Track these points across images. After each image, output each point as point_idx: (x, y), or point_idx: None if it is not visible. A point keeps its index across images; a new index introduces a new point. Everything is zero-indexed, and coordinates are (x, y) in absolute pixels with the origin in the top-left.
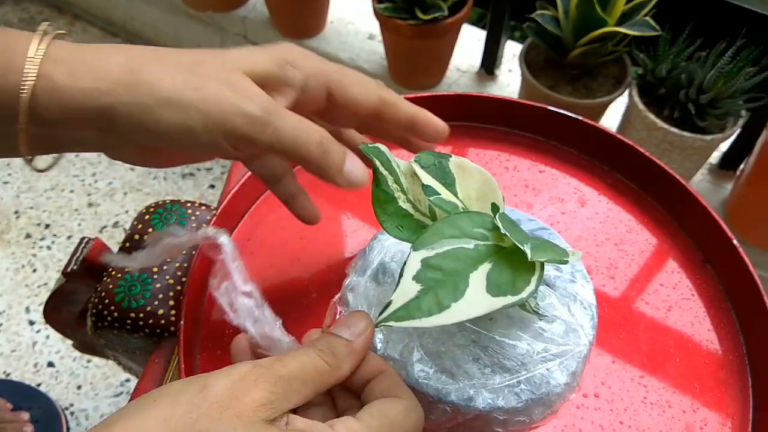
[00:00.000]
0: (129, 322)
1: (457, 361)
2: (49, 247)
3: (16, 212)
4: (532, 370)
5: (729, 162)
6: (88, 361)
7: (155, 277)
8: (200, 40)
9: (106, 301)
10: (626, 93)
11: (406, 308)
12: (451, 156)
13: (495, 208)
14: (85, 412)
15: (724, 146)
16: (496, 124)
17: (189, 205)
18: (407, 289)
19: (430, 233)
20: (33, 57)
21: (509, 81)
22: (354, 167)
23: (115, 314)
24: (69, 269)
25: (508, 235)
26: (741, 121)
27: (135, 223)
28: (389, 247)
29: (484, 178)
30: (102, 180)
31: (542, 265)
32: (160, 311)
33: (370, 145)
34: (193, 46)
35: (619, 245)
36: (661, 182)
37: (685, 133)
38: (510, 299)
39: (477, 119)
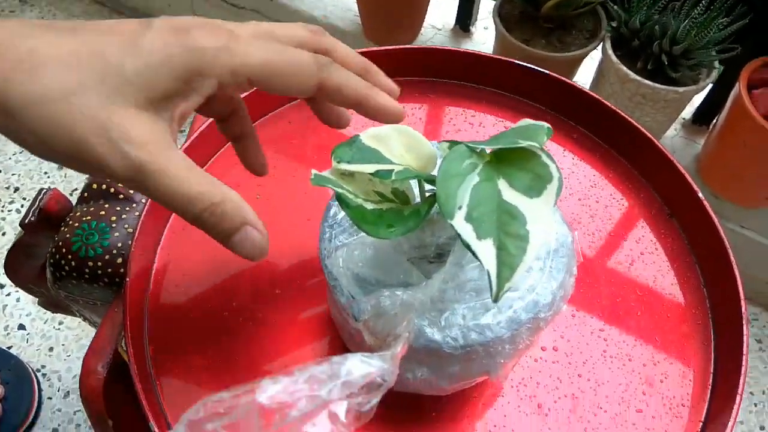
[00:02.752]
0: (87, 271)
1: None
2: (18, 210)
3: None
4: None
5: (702, 117)
6: (60, 323)
7: (114, 226)
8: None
9: (64, 250)
10: (600, 46)
11: (504, 263)
12: (358, 135)
13: (452, 143)
14: (57, 374)
15: (698, 101)
16: (462, 80)
17: None
18: (485, 250)
19: (445, 199)
20: None
21: (485, 38)
22: (241, 243)
23: (73, 263)
24: (27, 220)
25: (490, 145)
26: (714, 74)
27: None
28: None
29: (400, 131)
30: None
31: (540, 148)
32: (119, 260)
33: (313, 178)
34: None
35: (583, 200)
36: (627, 136)
37: (658, 85)
38: (552, 186)
39: (443, 75)
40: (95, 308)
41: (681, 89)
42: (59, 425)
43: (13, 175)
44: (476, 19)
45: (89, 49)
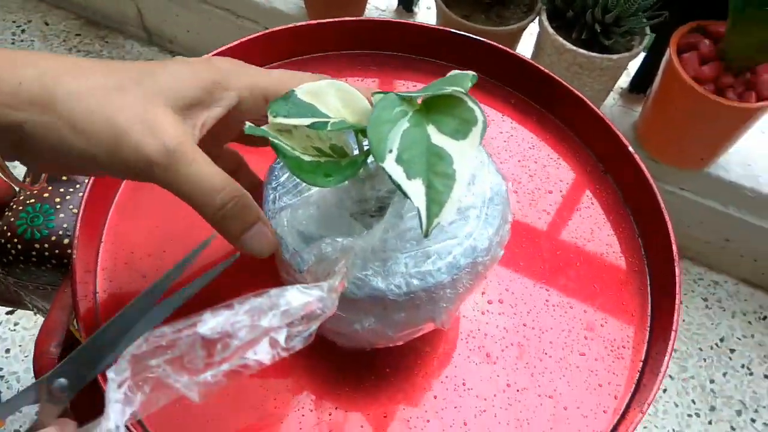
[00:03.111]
0: (34, 254)
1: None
2: None
3: None
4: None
5: (638, 85)
6: (15, 324)
7: (58, 207)
8: None
9: (9, 234)
10: (537, 19)
11: (433, 200)
12: (293, 90)
13: (378, 93)
14: (15, 375)
15: (633, 70)
16: (400, 51)
17: None
18: (415, 189)
19: (376, 143)
20: None
21: (428, 17)
22: (254, 238)
23: (19, 246)
24: None
25: (420, 93)
26: (646, 40)
27: None
28: None
29: (335, 86)
30: None
31: (466, 94)
32: (65, 241)
33: (246, 128)
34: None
35: (522, 161)
36: (562, 99)
37: (593, 54)
38: (477, 128)
39: (382, 47)
40: (46, 294)
41: (615, 56)
42: (21, 427)
43: None
44: (418, 0)
45: (127, 65)
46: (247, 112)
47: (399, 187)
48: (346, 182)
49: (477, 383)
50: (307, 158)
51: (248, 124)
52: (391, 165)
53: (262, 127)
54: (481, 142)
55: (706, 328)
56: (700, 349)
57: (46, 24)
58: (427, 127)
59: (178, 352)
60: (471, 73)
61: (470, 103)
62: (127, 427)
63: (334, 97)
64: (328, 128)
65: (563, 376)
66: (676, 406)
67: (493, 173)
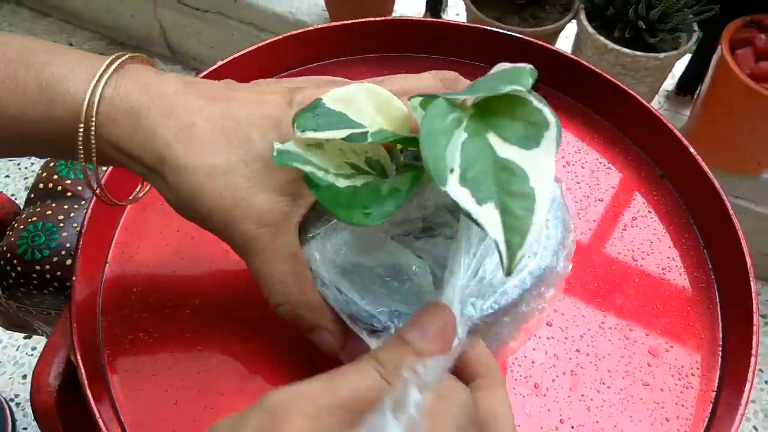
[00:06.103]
0: (35, 276)
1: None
2: None
3: None
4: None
5: (685, 87)
6: (33, 349)
7: (61, 225)
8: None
9: (9, 255)
10: (575, 19)
11: (511, 228)
12: (320, 98)
13: (426, 99)
14: None
15: (679, 72)
16: (437, 53)
17: None
18: (488, 216)
19: (434, 163)
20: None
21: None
22: (317, 340)
23: (19, 269)
24: None
25: (470, 94)
26: (694, 37)
27: (40, 171)
28: None
29: (367, 90)
30: (38, 163)
31: (531, 92)
32: (68, 262)
33: (275, 155)
34: (127, 15)
35: (567, 167)
36: (610, 97)
37: (638, 53)
38: (550, 133)
39: (418, 49)
40: (50, 319)
41: (661, 55)
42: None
43: None
44: (447, 5)
45: (239, 129)
46: None
47: (468, 215)
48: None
49: (524, 419)
50: (342, 183)
51: (276, 147)
52: (455, 188)
53: (288, 144)
54: (557, 150)
55: (767, 348)
56: (761, 370)
57: (71, 45)
58: (487, 136)
59: None
60: (527, 66)
61: (536, 103)
62: None
63: (366, 103)
64: (368, 140)
65: (625, 410)
66: None
67: None
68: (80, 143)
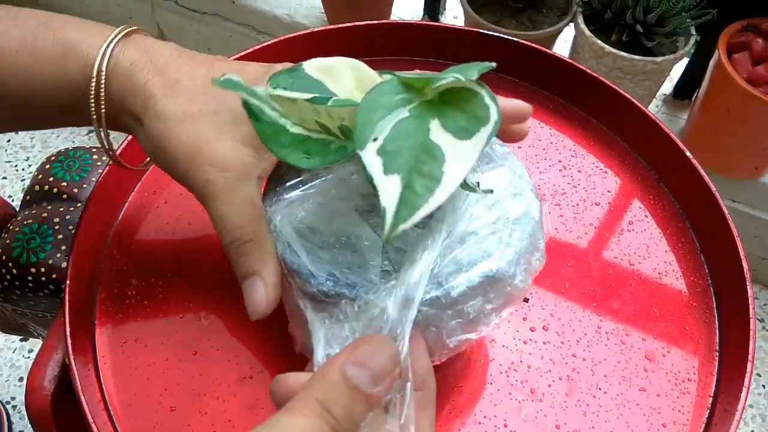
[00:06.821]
0: (30, 279)
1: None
2: None
3: None
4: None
5: (683, 91)
6: (30, 351)
7: (57, 227)
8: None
9: (4, 257)
10: (573, 23)
11: (406, 202)
12: (301, 64)
13: (386, 73)
14: None
15: (677, 76)
16: (435, 57)
17: (95, 150)
18: (389, 185)
19: (361, 128)
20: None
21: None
22: (246, 291)
23: (14, 271)
24: None
25: (419, 76)
26: (692, 41)
27: (36, 173)
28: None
29: (352, 66)
30: (35, 165)
31: (484, 88)
32: (63, 264)
33: (221, 79)
34: (125, 17)
35: (564, 171)
36: (606, 101)
37: (635, 57)
38: (486, 128)
39: (414, 52)
40: (46, 322)
41: (659, 59)
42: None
43: None
44: (444, 8)
45: (213, 92)
46: None
47: (370, 180)
48: (354, 176)
49: (520, 424)
50: (295, 130)
51: (226, 77)
52: (369, 155)
53: (256, 87)
54: (487, 146)
55: (765, 352)
56: (758, 375)
57: None
58: (430, 121)
59: None
60: (488, 63)
61: (486, 99)
62: None
63: (348, 77)
64: (329, 104)
65: (621, 415)
66: None
67: (527, 192)
68: (92, 100)
